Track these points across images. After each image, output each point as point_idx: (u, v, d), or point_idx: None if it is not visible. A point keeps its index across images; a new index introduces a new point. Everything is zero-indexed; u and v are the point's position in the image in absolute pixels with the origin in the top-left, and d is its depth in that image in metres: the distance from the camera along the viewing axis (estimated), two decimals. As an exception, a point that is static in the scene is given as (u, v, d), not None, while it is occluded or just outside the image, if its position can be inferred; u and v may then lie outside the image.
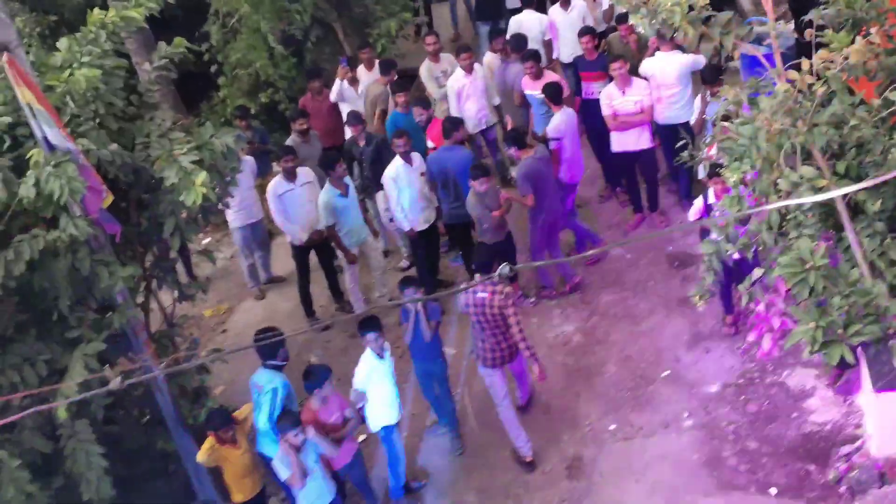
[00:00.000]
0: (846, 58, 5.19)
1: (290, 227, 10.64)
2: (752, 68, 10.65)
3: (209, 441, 7.82)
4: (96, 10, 7.63)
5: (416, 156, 10.47)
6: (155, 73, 8.22)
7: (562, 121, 10.34)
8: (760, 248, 6.00)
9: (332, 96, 12.23)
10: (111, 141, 7.22)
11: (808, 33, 5.45)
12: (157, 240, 7.96)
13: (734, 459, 8.13)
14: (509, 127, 11.35)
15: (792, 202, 5.08)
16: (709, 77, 9.89)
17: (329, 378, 7.87)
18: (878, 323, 5.32)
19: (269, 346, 7.81)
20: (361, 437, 8.80)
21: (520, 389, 9.16)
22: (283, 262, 11.99)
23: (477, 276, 8.61)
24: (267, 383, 8.00)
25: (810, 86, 5.31)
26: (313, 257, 10.90)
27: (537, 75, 11.07)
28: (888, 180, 5.59)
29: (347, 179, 10.33)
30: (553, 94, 10.40)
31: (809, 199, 4.85)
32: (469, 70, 11.59)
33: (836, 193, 4.75)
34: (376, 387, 8.16)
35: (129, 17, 7.59)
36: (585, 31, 11.39)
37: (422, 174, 10.44)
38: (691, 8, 5.13)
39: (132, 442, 8.08)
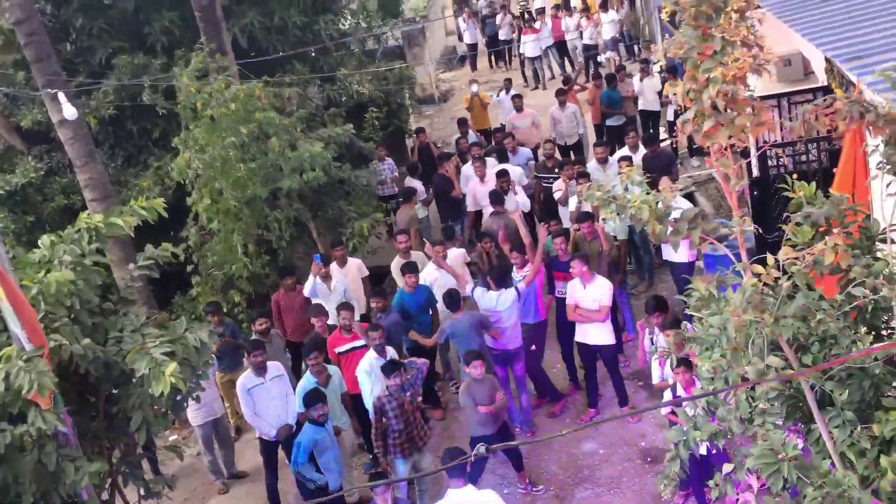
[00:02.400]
0: (814, 255, 5.35)
1: (259, 422, 10.51)
2: (714, 266, 11.03)
3: None
4: (84, 215, 7.81)
5: (389, 349, 10.53)
6: (137, 272, 8.33)
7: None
8: (728, 437, 5.97)
9: (306, 291, 12.38)
10: (84, 336, 7.21)
11: (787, 228, 5.67)
12: (125, 434, 7.82)
13: None
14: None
15: (761, 380, 5.12)
16: (653, 306, 9.90)
17: None
18: (852, 516, 5.25)
19: None
20: None
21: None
22: (248, 459, 11.73)
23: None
24: None
25: (776, 279, 5.45)
26: (282, 454, 10.69)
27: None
28: (853, 373, 5.69)
29: (333, 369, 10.42)
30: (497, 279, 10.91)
31: (777, 378, 4.89)
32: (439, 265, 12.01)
33: (800, 375, 4.81)
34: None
35: (115, 224, 7.76)
36: (557, 234, 11.72)
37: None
38: (659, 203, 5.33)
39: None
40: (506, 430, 10.00)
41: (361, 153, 15.71)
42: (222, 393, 11.73)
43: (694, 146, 16.44)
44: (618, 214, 5.45)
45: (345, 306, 11.20)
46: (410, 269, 11.83)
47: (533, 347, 11.29)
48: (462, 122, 17.75)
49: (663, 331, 9.51)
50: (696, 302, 5.54)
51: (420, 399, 9.91)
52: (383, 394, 9.60)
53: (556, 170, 14.39)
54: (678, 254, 11.33)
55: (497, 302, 10.84)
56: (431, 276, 12.03)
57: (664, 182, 11.39)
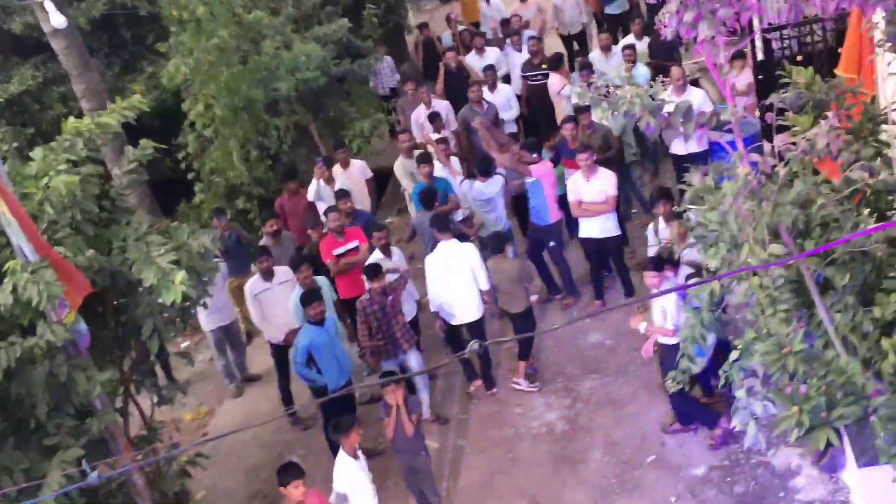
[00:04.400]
0: (808, 140, 5.31)
1: (268, 326, 10.64)
2: (717, 153, 10.93)
3: None
4: (72, 119, 7.73)
5: (395, 250, 10.59)
6: (126, 178, 8.30)
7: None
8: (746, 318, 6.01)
9: (310, 195, 12.38)
10: (88, 247, 7.24)
11: (769, 117, 5.60)
12: (135, 343, 7.93)
13: (724, 543, 8.03)
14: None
15: (760, 267, 5.14)
16: (657, 196, 9.87)
17: (302, 478, 7.70)
18: (858, 403, 5.33)
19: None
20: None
21: None
22: (261, 362, 11.94)
23: None
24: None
25: (774, 167, 5.42)
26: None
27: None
28: (855, 256, 5.70)
29: (321, 280, 10.31)
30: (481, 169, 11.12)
31: (777, 264, 4.91)
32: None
33: (800, 258, 4.82)
34: (355, 487, 8.02)
35: (104, 123, 7.70)
36: (567, 120, 11.62)
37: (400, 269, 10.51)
38: (652, 98, 5.26)
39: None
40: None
41: (360, 52, 15.45)
42: (232, 298, 11.82)
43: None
44: (610, 111, 5.39)
45: (331, 209, 11.13)
46: (424, 160, 11.74)
47: (552, 244, 11.33)
48: (449, 18, 17.41)
49: (668, 222, 9.51)
50: (691, 194, 5.52)
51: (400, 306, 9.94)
52: (365, 297, 9.71)
53: (544, 65, 14.15)
54: (682, 145, 11.22)
55: (486, 191, 11.06)
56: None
57: (675, 72, 11.40)
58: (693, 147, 11.26)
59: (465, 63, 14.92)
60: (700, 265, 8.81)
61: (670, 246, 8.97)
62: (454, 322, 10.25)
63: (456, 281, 10.05)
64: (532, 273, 11.01)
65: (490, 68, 14.05)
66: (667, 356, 8.85)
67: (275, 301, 10.49)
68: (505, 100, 13.83)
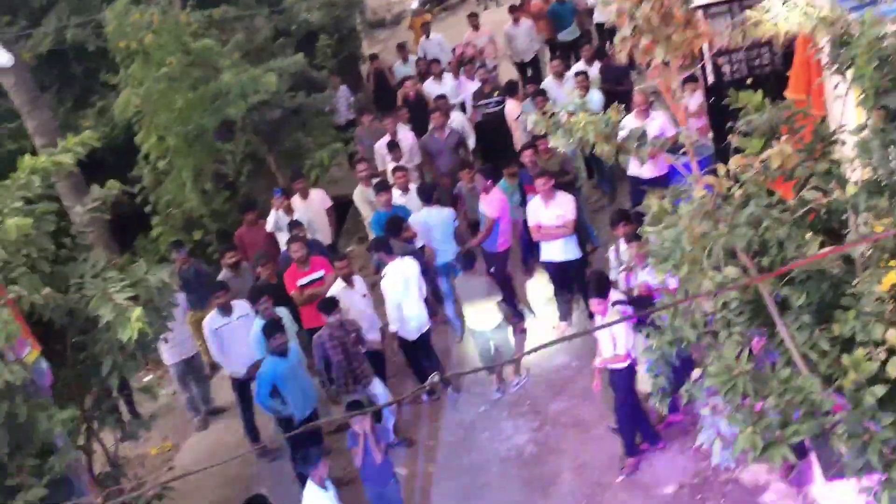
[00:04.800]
0: (763, 161, 5.41)
1: (228, 362, 10.57)
2: (675, 177, 11.07)
3: None
4: (27, 157, 7.67)
5: (357, 279, 10.60)
6: (88, 216, 8.24)
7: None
8: (683, 346, 6.09)
9: (269, 226, 12.36)
10: (44, 285, 7.16)
11: (732, 138, 5.72)
12: (97, 380, 7.83)
13: (694, 562, 8.06)
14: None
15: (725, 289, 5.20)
16: (616, 219, 9.85)
17: None
18: (815, 419, 5.40)
19: None
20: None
21: None
22: (225, 394, 11.85)
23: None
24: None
25: (729, 189, 5.51)
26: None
27: None
28: (811, 275, 5.80)
29: (282, 311, 10.27)
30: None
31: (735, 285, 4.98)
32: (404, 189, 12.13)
33: (755, 281, 4.90)
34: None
35: (60, 161, 7.65)
36: (527, 146, 11.74)
37: (364, 295, 10.53)
38: (606, 124, 5.35)
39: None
40: None
41: (315, 82, 15.51)
42: (193, 331, 11.72)
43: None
44: (565, 138, 5.47)
45: (294, 239, 11.10)
46: (381, 188, 11.76)
47: (492, 269, 11.39)
48: (401, 47, 17.62)
49: (628, 243, 9.59)
50: (650, 217, 5.59)
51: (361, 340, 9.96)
52: (323, 332, 9.71)
53: (496, 93, 14.32)
54: (639, 167, 11.34)
55: (429, 220, 11.32)
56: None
57: (638, 97, 11.55)
58: (651, 171, 11.38)
59: (423, 91, 15.03)
60: (639, 291, 8.97)
61: (630, 267, 9.06)
62: (412, 338, 10.48)
63: (408, 297, 10.32)
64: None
65: (442, 97, 14.15)
66: (619, 382, 8.91)
67: (235, 335, 10.43)
68: (460, 129, 13.90)
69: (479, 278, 10.47)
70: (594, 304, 8.79)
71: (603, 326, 8.45)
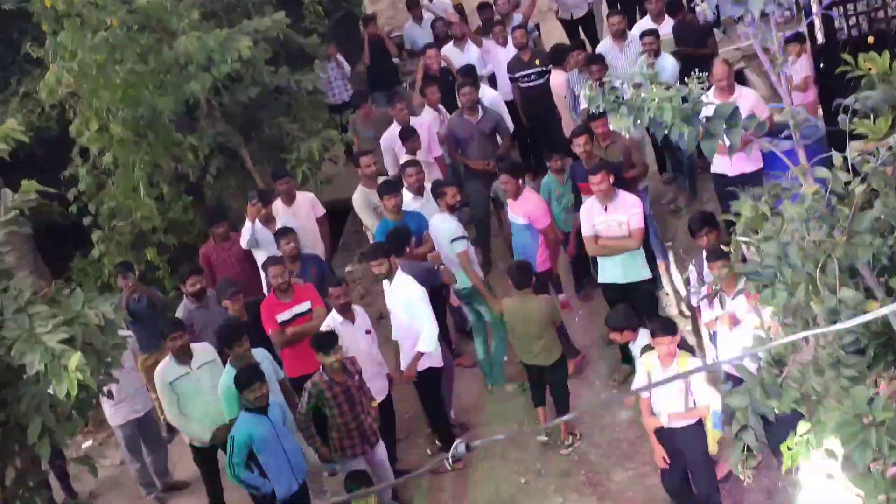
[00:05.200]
0: (891, 148, 5.34)
1: (187, 424, 10.51)
2: (772, 168, 10.99)
3: None
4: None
5: (359, 310, 10.62)
6: (3, 231, 8.23)
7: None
8: (812, 398, 6.00)
9: (243, 242, 12.34)
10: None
11: (841, 120, 5.64)
12: (20, 449, 7.84)
13: None
14: None
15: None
16: (698, 225, 9.88)
17: None
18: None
19: None
20: None
21: None
22: (187, 464, 11.82)
23: None
24: None
25: (847, 185, 5.44)
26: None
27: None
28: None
29: (261, 353, 10.19)
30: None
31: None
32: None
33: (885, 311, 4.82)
34: None
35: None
36: (579, 131, 11.64)
37: (367, 332, 10.54)
38: (685, 100, 5.27)
39: None
40: None
41: (303, 51, 15.54)
42: (146, 382, 11.72)
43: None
44: (632, 119, 5.41)
45: (272, 261, 11.05)
46: (389, 189, 11.67)
47: None
48: (413, 4, 17.52)
49: (712, 260, 9.50)
50: (742, 225, 5.52)
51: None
52: (320, 377, 9.65)
53: (537, 61, 14.31)
54: (725, 163, 11.28)
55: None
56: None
57: (718, 69, 11.43)
58: (741, 165, 11.25)
59: (449, 61, 14.99)
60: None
61: (716, 290, 9.00)
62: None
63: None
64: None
65: (471, 69, 14.13)
66: (693, 442, 8.92)
67: (196, 389, 10.39)
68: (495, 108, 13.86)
69: (536, 300, 10.43)
70: (662, 342, 8.81)
71: (683, 375, 8.39)
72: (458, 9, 17.97)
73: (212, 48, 12.63)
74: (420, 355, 10.39)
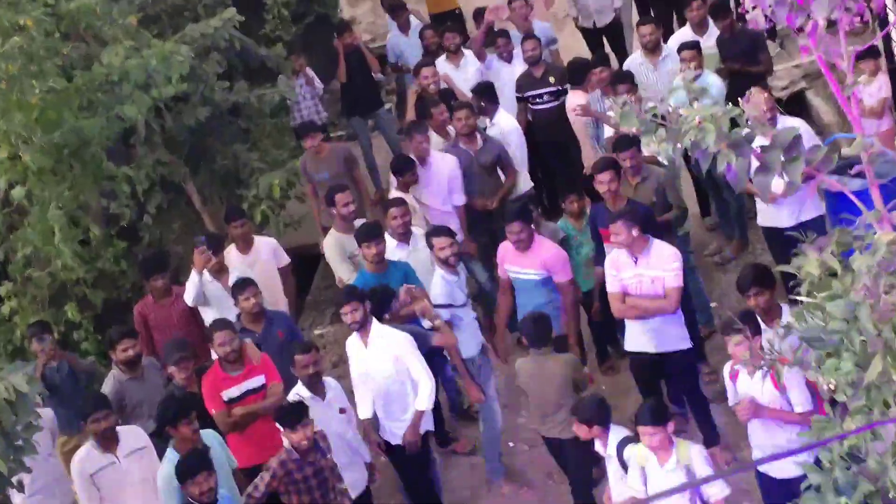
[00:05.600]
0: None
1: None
2: (839, 212, 11.02)
3: None
4: None
5: (331, 383, 10.65)
6: None
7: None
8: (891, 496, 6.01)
9: (188, 298, 12.32)
10: None
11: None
12: None
13: None
14: None
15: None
16: (749, 281, 9.75)
17: None
18: None
19: None
20: None
21: None
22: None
23: None
24: None
25: (931, 231, 5.46)
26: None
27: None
28: None
29: (210, 436, 10.12)
30: None
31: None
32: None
33: None
34: None
35: None
36: (604, 165, 11.51)
37: (342, 410, 10.54)
38: (735, 124, 5.24)
39: None
40: None
41: (264, 65, 15.62)
42: (66, 468, 11.66)
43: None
44: (669, 143, 5.38)
45: (219, 325, 10.99)
46: (369, 234, 11.54)
47: None
48: (397, 8, 17.49)
49: (770, 323, 9.45)
50: (807, 284, 5.51)
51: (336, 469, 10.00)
52: (288, 456, 9.64)
53: (552, 79, 14.34)
54: (776, 213, 11.31)
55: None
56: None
57: (756, 97, 11.45)
58: (792, 214, 11.30)
59: (451, 82, 14.96)
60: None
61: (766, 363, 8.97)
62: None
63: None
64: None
65: (489, 85, 14.14)
66: None
67: (123, 483, 10.31)
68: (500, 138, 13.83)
69: (555, 359, 10.39)
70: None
71: (696, 483, 8.40)
72: (457, 15, 18.11)
73: (153, 65, 12.64)
74: (421, 415, 10.44)
